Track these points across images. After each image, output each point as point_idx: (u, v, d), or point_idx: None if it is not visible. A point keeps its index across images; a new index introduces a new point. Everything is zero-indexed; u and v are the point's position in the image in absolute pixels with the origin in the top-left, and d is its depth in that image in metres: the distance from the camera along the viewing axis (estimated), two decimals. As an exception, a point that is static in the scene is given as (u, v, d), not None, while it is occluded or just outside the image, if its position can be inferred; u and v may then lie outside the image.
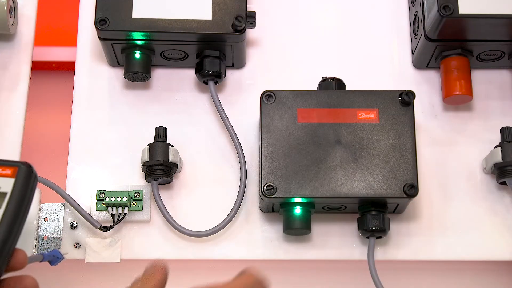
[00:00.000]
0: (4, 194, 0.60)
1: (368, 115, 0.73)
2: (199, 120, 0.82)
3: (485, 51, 0.80)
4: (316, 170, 0.70)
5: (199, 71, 0.80)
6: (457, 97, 0.80)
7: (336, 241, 0.78)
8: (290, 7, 0.88)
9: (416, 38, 0.83)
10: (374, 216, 0.74)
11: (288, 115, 0.73)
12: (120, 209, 0.76)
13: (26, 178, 0.61)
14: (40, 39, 0.91)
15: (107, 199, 0.76)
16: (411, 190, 0.70)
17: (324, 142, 0.72)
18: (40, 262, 0.74)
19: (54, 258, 0.74)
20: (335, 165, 0.71)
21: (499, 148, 0.77)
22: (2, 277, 0.58)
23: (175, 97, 0.83)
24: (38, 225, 0.77)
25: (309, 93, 0.75)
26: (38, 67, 1.30)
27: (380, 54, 0.86)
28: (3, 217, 0.59)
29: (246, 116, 0.81)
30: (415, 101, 0.78)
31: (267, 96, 0.75)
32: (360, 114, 0.73)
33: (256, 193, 0.78)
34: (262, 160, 0.72)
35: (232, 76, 0.84)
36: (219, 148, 0.81)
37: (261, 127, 0.72)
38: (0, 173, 0.61)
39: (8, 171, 0.61)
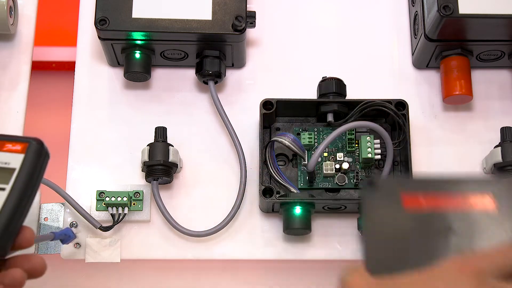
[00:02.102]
0: (13, 170, 0.59)
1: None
2: (199, 120, 0.82)
3: (485, 51, 0.80)
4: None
5: (199, 71, 0.80)
6: (457, 97, 0.80)
7: (336, 241, 0.78)
8: (290, 7, 0.88)
9: (416, 38, 0.83)
10: (374, 216, 0.73)
11: (392, 202, 0.59)
12: (120, 209, 0.76)
13: (36, 155, 0.60)
14: (40, 39, 0.91)
15: (107, 199, 0.76)
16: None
17: (435, 233, 0.58)
18: (51, 241, 0.74)
19: (65, 237, 0.73)
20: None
21: (499, 148, 0.77)
22: (9, 256, 0.57)
23: (175, 97, 0.83)
24: (38, 225, 0.77)
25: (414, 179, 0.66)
26: (38, 67, 1.30)
27: (380, 54, 0.86)
28: (10, 194, 0.57)
29: (246, 116, 0.81)
30: (414, 101, 0.79)
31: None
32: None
33: (256, 193, 0.78)
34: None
35: (232, 76, 0.84)
36: (219, 148, 0.81)
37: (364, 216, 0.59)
38: (10, 148, 0.60)
39: (18, 146, 0.60)
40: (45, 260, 0.58)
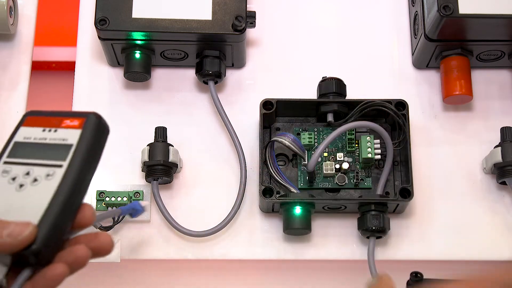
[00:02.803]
0: (70, 146, 0.57)
1: None
2: (199, 120, 0.82)
3: (485, 51, 0.80)
4: None
5: (199, 71, 0.80)
6: (457, 97, 0.80)
7: (336, 241, 0.78)
8: (290, 7, 0.88)
9: (416, 38, 0.83)
10: (374, 216, 0.74)
11: None
12: (120, 209, 0.76)
13: (94, 129, 0.58)
14: (40, 39, 0.91)
15: (107, 199, 0.76)
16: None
17: None
18: (119, 217, 0.73)
19: (133, 211, 0.69)
20: None
21: (499, 148, 0.77)
22: (74, 236, 0.56)
23: (175, 97, 0.83)
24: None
25: None
26: (38, 67, 1.30)
27: (380, 54, 0.86)
28: (68, 170, 0.56)
29: (246, 116, 0.81)
30: (414, 101, 0.79)
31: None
32: None
33: (256, 193, 0.78)
34: None
35: (232, 76, 0.84)
36: (219, 148, 0.81)
37: None
38: (68, 124, 0.59)
39: (75, 122, 0.59)
40: (112, 238, 0.56)
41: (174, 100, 0.83)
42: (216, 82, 0.81)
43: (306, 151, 0.77)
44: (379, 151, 0.77)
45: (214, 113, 0.82)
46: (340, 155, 0.78)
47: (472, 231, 0.78)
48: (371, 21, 0.87)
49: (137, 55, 0.79)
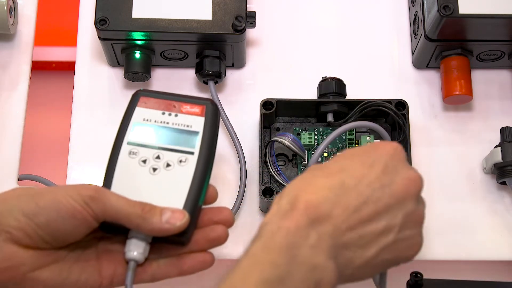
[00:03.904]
0: (196, 133, 0.61)
1: None
2: (199, 120, 0.82)
3: (485, 51, 0.80)
4: None
5: (199, 71, 0.80)
6: (457, 97, 0.80)
7: (336, 241, 0.78)
8: (290, 7, 0.88)
9: (416, 38, 0.83)
10: (374, 216, 0.74)
11: None
12: (120, 209, 0.76)
13: (214, 117, 0.62)
14: (40, 39, 0.91)
15: (107, 199, 0.76)
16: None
17: None
18: None
19: None
20: None
21: (499, 148, 0.77)
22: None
23: (175, 97, 0.83)
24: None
25: None
26: (38, 67, 1.30)
27: (380, 54, 0.86)
28: (199, 158, 0.60)
29: (246, 116, 0.81)
30: (414, 101, 0.79)
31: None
32: None
33: (256, 193, 0.78)
34: None
35: (232, 76, 0.84)
36: (219, 148, 0.81)
37: None
38: (188, 110, 0.62)
39: (196, 109, 0.62)
40: (233, 215, 0.63)
41: (174, 100, 0.83)
42: (216, 82, 0.81)
43: (306, 151, 0.77)
44: (379, 151, 0.77)
45: (214, 113, 0.82)
46: (340, 155, 0.78)
47: (472, 231, 0.78)
48: (371, 21, 0.87)
49: (137, 55, 0.79)
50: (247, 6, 0.78)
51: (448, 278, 0.72)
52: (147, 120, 0.62)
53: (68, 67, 1.29)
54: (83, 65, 0.84)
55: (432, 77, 0.84)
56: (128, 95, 0.83)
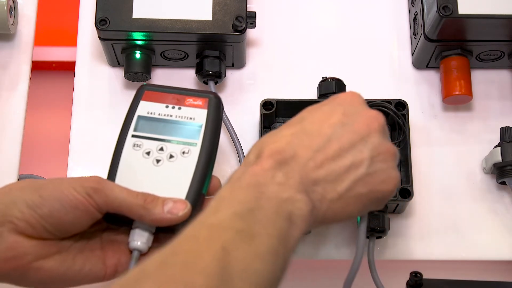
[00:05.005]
0: (199, 125, 0.62)
1: None
2: (199, 120, 0.82)
3: (485, 51, 0.80)
4: None
5: (199, 71, 0.80)
6: (457, 97, 0.80)
7: (336, 241, 0.78)
8: (290, 7, 0.88)
9: (416, 38, 0.83)
10: (374, 216, 0.74)
11: None
12: (120, 209, 0.76)
13: (217, 109, 0.63)
14: (40, 39, 0.91)
15: (108, 199, 0.76)
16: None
17: None
18: None
19: None
20: None
21: (499, 148, 0.77)
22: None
23: (175, 97, 0.83)
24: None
25: None
26: (38, 67, 1.30)
27: (380, 54, 0.86)
28: (202, 149, 0.61)
29: (246, 116, 0.81)
30: (414, 101, 0.79)
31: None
32: None
33: (256, 193, 0.78)
34: None
35: (232, 76, 0.84)
36: (219, 148, 0.81)
37: None
38: (191, 103, 0.63)
39: (199, 101, 0.63)
40: None
41: (174, 100, 0.83)
42: (216, 82, 0.81)
43: (306, 151, 0.77)
44: (379, 151, 0.77)
45: (214, 113, 0.82)
46: (340, 155, 0.78)
47: (472, 231, 0.78)
48: (371, 21, 0.87)
49: (137, 55, 0.79)
50: (247, 6, 0.78)
51: (448, 278, 0.72)
52: (151, 113, 0.63)
53: (68, 67, 1.29)
54: (83, 65, 0.84)
55: (432, 77, 0.84)
56: (128, 95, 0.83)
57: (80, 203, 0.56)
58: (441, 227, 0.78)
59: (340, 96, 0.59)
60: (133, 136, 0.62)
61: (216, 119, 0.63)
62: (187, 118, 0.63)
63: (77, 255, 0.58)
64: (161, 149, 0.62)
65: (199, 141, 0.62)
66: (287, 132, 0.56)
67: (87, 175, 0.79)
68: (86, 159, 0.81)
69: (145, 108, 0.64)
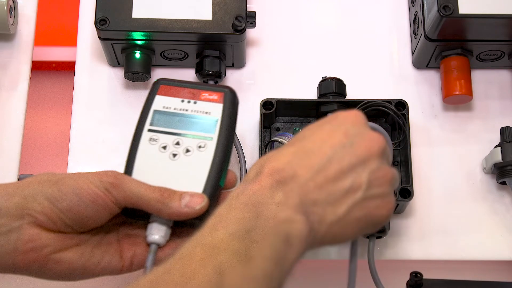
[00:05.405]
0: (215, 119, 0.63)
1: None
2: (199, 120, 0.82)
3: (485, 51, 0.80)
4: None
5: (199, 71, 0.80)
6: (457, 97, 0.80)
7: (336, 241, 0.78)
8: (290, 7, 0.88)
9: (416, 38, 0.83)
10: (374, 216, 0.74)
11: None
12: (120, 209, 0.76)
13: (233, 104, 0.64)
14: (40, 39, 0.91)
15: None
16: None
17: None
18: None
19: None
20: None
21: (499, 148, 0.77)
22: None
23: (175, 97, 0.83)
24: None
25: None
26: (38, 67, 1.30)
27: (380, 54, 0.86)
28: (218, 143, 0.62)
29: (246, 116, 0.81)
30: (414, 101, 0.78)
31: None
32: None
33: (256, 193, 0.78)
34: None
35: (232, 76, 0.84)
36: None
37: None
38: (207, 97, 0.64)
39: (214, 96, 0.64)
40: None
41: (174, 100, 0.83)
42: (216, 82, 0.81)
43: (306, 151, 0.77)
44: (379, 151, 0.77)
45: (214, 113, 0.82)
46: (340, 155, 0.78)
47: (472, 231, 0.78)
48: (371, 21, 0.87)
49: (137, 55, 0.79)
50: (247, 6, 0.78)
51: (448, 278, 0.72)
52: (167, 107, 0.64)
53: (68, 67, 1.29)
54: (83, 65, 0.84)
55: (432, 77, 0.84)
56: (128, 95, 0.83)
57: (99, 198, 0.57)
58: (441, 227, 0.78)
59: (342, 114, 0.58)
60: (149, 130, 0.63)
61: (232, 113, 0.64)
62: (202, 113, 0.63)
63: (95, 248, 0.59)
64: (177, 143, 0.62)
65: (215, 135, 0.62)
66: (288, 151, 0.55)
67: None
68: (86, 159, 0.81)
69: (161, 102, 0.64)
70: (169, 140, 0.62)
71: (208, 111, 0.63)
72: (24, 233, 0.56)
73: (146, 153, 0.62)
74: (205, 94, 0.64)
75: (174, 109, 0.64)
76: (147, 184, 0.59)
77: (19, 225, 0.56)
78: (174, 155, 0.61)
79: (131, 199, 0.58)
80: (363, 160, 0.55)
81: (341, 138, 0.56)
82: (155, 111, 0.63)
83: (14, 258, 0.56)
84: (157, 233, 0.60)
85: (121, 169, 0.79)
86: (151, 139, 0.62)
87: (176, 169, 0.61)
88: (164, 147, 0.62)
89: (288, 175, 0.53)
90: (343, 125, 0.57)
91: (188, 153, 0.61)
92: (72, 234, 0.58)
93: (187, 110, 0.63)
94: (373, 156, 0.56)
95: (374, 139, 0.57)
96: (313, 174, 0.53)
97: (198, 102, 0.64)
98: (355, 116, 0.58)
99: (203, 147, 0.62)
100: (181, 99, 0.64)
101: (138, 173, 0.61)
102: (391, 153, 0.61)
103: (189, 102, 0.64)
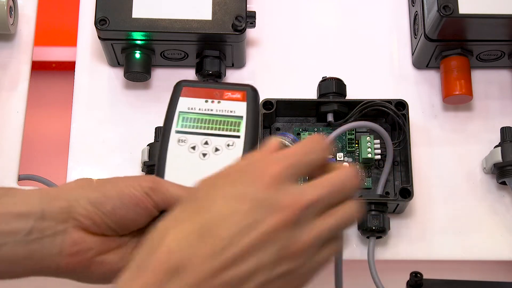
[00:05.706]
0: (240, 117, 0.63)
1: None
2: (199, 120, 0.82)
3: (485, 51, 0.80)
4: None
5: (199, 71, 0.80)
6: (457, 97, 0.80)
7: (336, 241, 0.78)
8: (290, 7, 0.88)
9: (416, 38, 0.83)
10: (374, 216, 0.74)
11: None
12: (120, 209, 0.76)
13: (256, 101, 0.64)
14: (40, 39, 0.91)
15: (107, 199, 0.76)
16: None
17: None
18: None
19: None
20: None
21: (499, 148, 0.77)
22: None
23: (175, 97, 0.83)
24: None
25: None
26: (38, 67, 1.30)
27: (380, 54, 0.86)
28: (246, 140, 0.62)
29: (246, 116, 0.81)
30: (414, 101, 0.78)
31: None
32: None
33: (256, 193, 0.78)
34: None
35: (232, 76, 0.84)
36: (219, 148, 0.81)
37: None
38: (230, 97, 0.64)
39: (237, 95, 0.64)
40: None
41: (174, 100, 0.83)
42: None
43: (306, 151, 0.77)
44: (379, 151, 0.77)
45: (214, 113, 0.82)
46: (340, 155, 0.78)
47: (472, 231, 0.78)
48: (371, 21, 0.87)
49: (137, 55, 0.79)
50: (247, 6, 0.78)
51: (448, 278, 0.72)
52: (192, 108, 0.64)
53: (68, 67, 1.29)
54: (83, 65, 0.84)
55: (432, 77, 0.84)
56: (128, 95, 0.83)
57: (141, 201, 0.57)
58: (441, 227, 0.78)
59: (254, 169, 0.51)
60: (177, 132, 0.63)
61: (256, 110, 0.64)
62: (227, 111, 0.64)
63: (134, 250, 0.59)
64: (206, 143, 0.62)
65: (242, 133, 0.62)
66: (183, 230, 0.50)
67: (86, 175, 0.79)
68: (86, 159, 0.81)
69: (185, 104, 0.64)
70: (197, 140, 0.62)
71: (232, 110, 0.64)
72: (69, 236, 0.56)
73: (176, 155, 0.62)
74: (228, 94, 0.65)
75: (199, 109, 0.64)
76: (184, 185, 0.58)
77: (64, 228, 0.56)
78: (204, 154, 0.62)
79: (170, 202, 0.58)
80: (270, 236, 0.48)
81: (245, 211, 0.49)
82: (181, 112, 0.64)
83: (59, 261, 0.56)
84: None
85: (121, 169, 0.80)
86: (179, 141, 0.63)
87: (207, 168, 0.60)
88: (193, 148, 0.62)
89: (182, 264, 0.48)
90: (250, 189, 0.50)
91: (217, 152, 0.62)
92: (114, 237, 0.58)
93: (212, 110, 0.64)
94: (286, 227, 0.48)
95: (286, 204, 0.49)
96: (209, 260, 0.48)
97: (222, 101, 0.64)
98: (269, 173, 0.51)
99: (232, 145, 0.62)
100: (204, 99, 0.64)
101: (170, 175, 0.61)
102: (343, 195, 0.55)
103: (213, 102, 0.64)
